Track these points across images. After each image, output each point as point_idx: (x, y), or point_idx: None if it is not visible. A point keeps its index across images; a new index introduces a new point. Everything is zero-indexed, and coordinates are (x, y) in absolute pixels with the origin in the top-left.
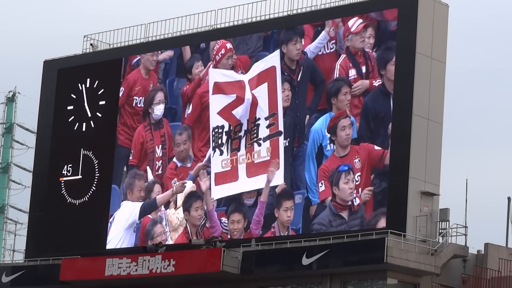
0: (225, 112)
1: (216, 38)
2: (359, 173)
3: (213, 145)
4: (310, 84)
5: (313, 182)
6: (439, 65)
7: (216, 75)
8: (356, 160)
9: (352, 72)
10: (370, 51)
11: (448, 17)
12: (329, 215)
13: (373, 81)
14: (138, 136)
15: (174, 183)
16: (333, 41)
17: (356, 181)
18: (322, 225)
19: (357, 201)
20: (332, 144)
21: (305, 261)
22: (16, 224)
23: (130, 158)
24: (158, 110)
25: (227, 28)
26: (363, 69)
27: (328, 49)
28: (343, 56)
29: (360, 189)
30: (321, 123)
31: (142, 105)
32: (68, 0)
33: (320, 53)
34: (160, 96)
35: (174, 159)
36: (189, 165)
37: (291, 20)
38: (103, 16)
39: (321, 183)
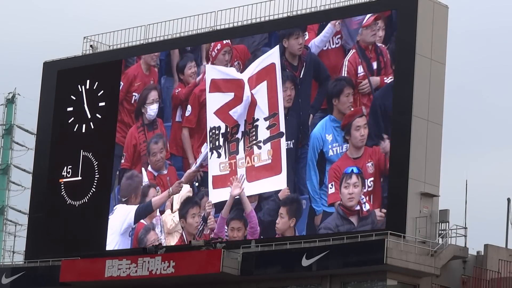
0: (222, 112)
1: (216, 39)
2: (372, 178)
3: (211, 146)
4: (314, 81)
5: (315, 191)
6: (438, 66)
7: (213, 72)
8: (369, 164)
9: (361, 69)
10: (383, 45)
11: (447, 18)
12: (336, 219)
13: (385, 78)
14: (130, 138)
15: (158, 192)
16: (339, 36)
17: (369, 187)
18: (329, 229)
19: (366, 207)
20: (346, 144)
21: (305, 262)
22: (16, 226)
23: (122, 161)
24: (152, 110)
25: (227, 30)
26: (374, 65)
27: (333, 44)
28: (352, 51)
29: (371, 196)
30: (320, 128)
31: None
32: (68, 2)
33: (325, 48)
34: (153, 95)
35: (150, 169)
36: (165, 172)
37: (291, 21)
38: (103, 18)
39: (331, 185)
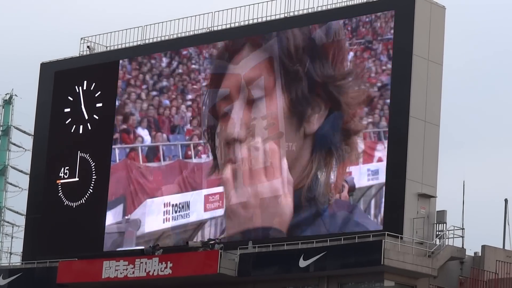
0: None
1: (213, 40)
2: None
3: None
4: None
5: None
6: (436, 67)
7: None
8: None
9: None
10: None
11: (445, 19)
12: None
13: None
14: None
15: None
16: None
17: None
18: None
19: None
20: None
21: (302, 263)
22: (13, 227)
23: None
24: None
25: (224, 30)
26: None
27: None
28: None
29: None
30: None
31: None
32: (65, 2)
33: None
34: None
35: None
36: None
37: (289, 22)
38: (100, 19)
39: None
